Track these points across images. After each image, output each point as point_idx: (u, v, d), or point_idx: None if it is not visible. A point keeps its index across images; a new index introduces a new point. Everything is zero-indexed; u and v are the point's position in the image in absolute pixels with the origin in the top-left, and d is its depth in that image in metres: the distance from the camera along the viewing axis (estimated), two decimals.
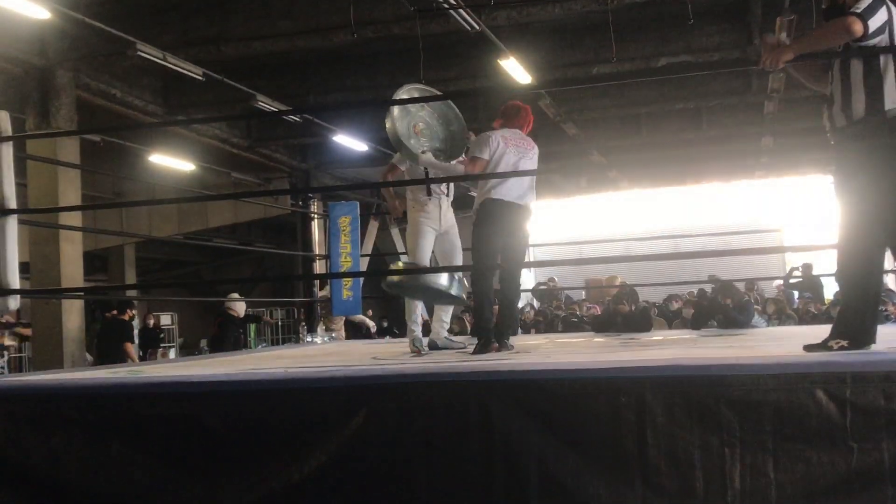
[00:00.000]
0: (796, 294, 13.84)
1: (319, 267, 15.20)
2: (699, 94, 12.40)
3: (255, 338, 20.74)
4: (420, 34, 8.99)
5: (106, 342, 10.33)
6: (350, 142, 13.01)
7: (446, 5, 8.14)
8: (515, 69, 9.77)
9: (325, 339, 8.70)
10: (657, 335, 6.99)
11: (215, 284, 25.13)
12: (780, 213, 22.45)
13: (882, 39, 3.52)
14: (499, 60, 9.60)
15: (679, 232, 15.41)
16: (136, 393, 3.57)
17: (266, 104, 10.61)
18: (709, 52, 10.16)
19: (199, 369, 4.67)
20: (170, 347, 19.51)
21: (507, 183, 5.07)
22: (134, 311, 13.42)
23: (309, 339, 9.03)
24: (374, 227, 18.98)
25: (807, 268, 16.09)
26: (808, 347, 3.63)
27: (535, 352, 5.18)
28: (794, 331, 6.86)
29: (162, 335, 15.96)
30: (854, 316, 3.58)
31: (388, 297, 16.11)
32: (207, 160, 14.58)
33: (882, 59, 3.50)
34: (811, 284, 13.27)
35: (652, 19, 10.05)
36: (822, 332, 3.85)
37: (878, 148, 3.44)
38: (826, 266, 8.20)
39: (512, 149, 5.19)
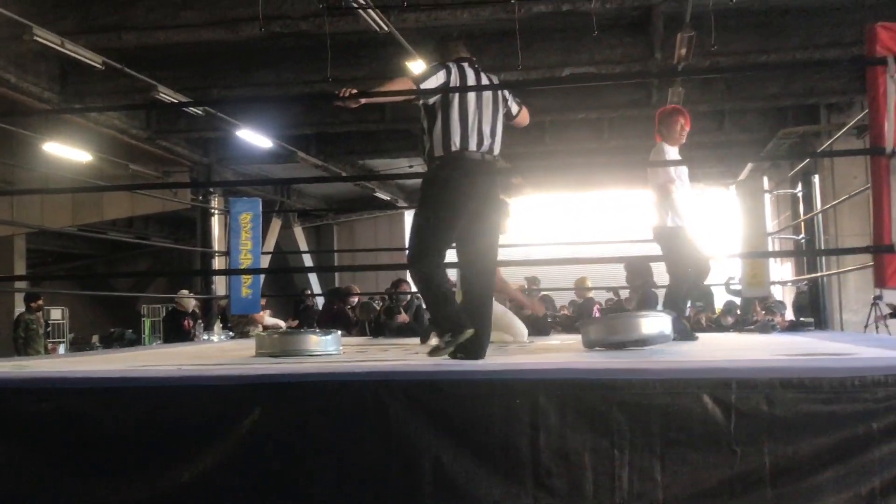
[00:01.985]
0: (689, 303, 14.23)
1: (219, 264, 14.91)
2: (602, 105, 12.63)
3: (149, 335, 20.23)
4: (329, 32, 8.92)
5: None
6: (254, 137, 12.81)
7: (355, 4, 8.10)
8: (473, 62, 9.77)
9: (223, 337, 8.53)
10: (555, 339, 7.09)
11: (109, 278, 24.38)
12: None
13: (439, 99, 4.37)
14: (406, 62, 9.60)
15: (579, 239, 15.73)
16: (20, 388, 3.42)
17: (167, 96, 10.34)
18: (612, 64, 10.36)
19: (88, 365, 4.51)
20: (59, 343, 18.85)
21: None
22: (40, 302, 13.00)
23: (205, 336, 8.83)
24: (276, 225, 18.75)
25: None
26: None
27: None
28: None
29: (49, 329, 15.38)
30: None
31: (290, 297, 15.90)
32: (105, 151, 14.14)
33: (440, 113, 4.36)
34: (702, 294, 13.67)
35: (558, 30, 10.20)
36: (712, 340, 3.97)
37: (437, 180, 4.43)
38: (716, 276, 8.50)
39: None
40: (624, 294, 11.22)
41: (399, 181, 19.86)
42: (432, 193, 4.45)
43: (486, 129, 4.45)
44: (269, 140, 13.13)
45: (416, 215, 4.50)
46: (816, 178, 7.80)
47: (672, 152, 6.10)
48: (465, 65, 4.53)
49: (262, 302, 8.85)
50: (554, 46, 10.41)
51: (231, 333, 8.99)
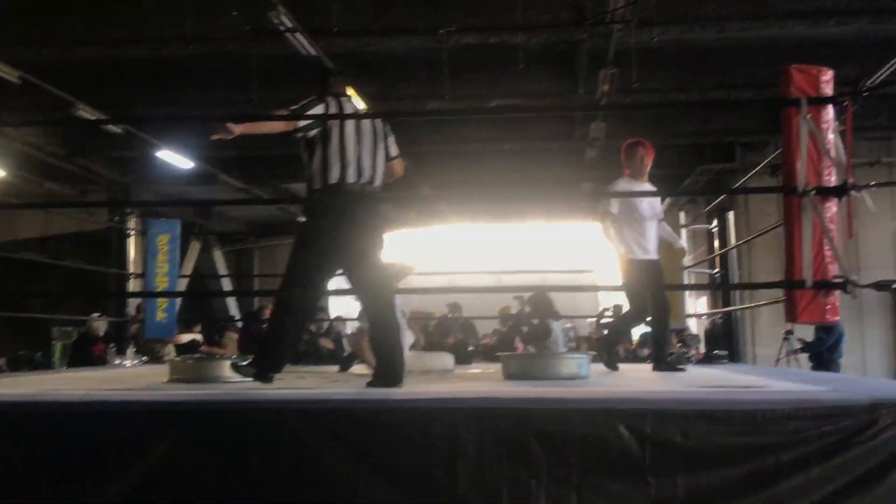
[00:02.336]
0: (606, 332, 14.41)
1: (134, 287, 14.54)
2: (526, 137, 12.78)
3: (60, 358, 19.57)
4: (255, 54, 8.83)
5: None
6: (175, 158, 12.57)
7: (282, 28, 8.04)
8: (351, 97, 9.75)
9: (136, 361, 8.29)
10: (476, 368, 7.10)
11: (19, 299, 23.54)
12: (594, 256, 23.55)
13: (318, 132, 4.48)
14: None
15: (501, 268, 15.80)
16: None
17: (87, 113, 10.08)
18: (537, 97, 10.51)
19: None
20: None
21: None
22: None
23: (118, 361, 8.57)
24: (195, 248, 18.40)
25: (617, 308, 16.86)
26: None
27: (355, 382, 5.13)
28: (604, 369, 7.15)
29: None
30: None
31: (209, 320, 15.59)
32: (20, 168, 13.69)
33: (318, 145, 4.46)
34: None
35: (486, 62, 10.30)
36: (628, 371, 4.01)
37: (316, 212, 4.48)
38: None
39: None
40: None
41: None
42: (310, 225, 4.52)
43: (367, 162, 4.51)
44: (191, 161, 12.91)
45: (293, 245, 4.59)
46: (731, 215, 8.02)
47: (631, 185, 6.24)
48: (344, 100, 4.69)
49: (198, 328, 8.68)
50: (482, 77, 10.51)
51: (145, 358, 8.76)
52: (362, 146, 4.51)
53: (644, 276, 6.01)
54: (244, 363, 4.44)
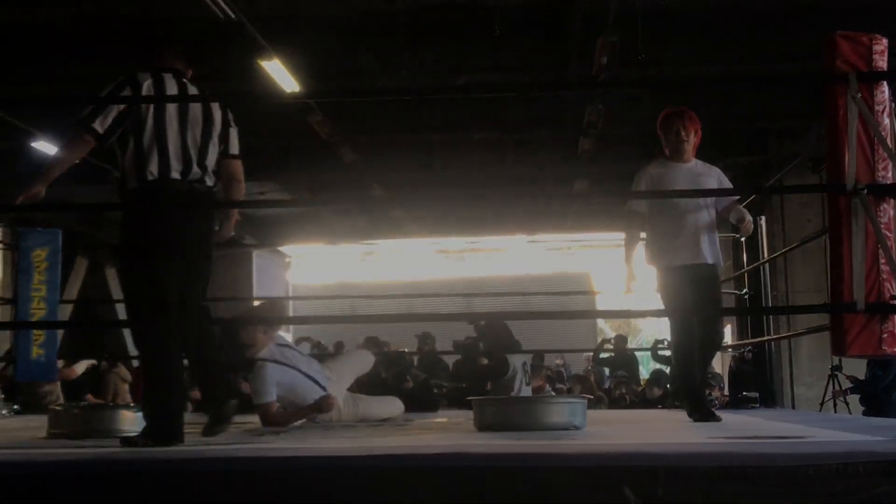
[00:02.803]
0: (607, 371, 14.51)
1: (2, 316, 14.33)
2: (504, 123, 12.80)
3: None
4: (159, 18, 8.79)
5: None
6: (53, 149, 12.45)
7: None
8: (279, 73, 9.74)
9: (5, 411, 8.19)
10: (442, 417, 7.09)
11: None
12: (594, 273, 23.69)
13: (130, 121, 4.42)
14: (259, 60, 9.54)
15: (474, 287, 15.86)
16: None
17: None
18: (518, 73, 10.54)
19: None
20: None
21: None
22: None
23: None
24: (81, 265, 18.21)
25: (620, 340, 17.00)
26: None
27: (287, 436, 5.10)
28: (606, 416, 7.17)
29: None
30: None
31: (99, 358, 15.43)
32: None
33: (131, 137, 4.43)
34: (624, 360, 13.96)
35: (452, 26, 10.31)
36: (636, 417, 4.02)
37: (132, 219, 4.54)
38: (642, 339, 8.67)
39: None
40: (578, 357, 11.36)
41: (247, 211, 19.65)
42: (130, 237, 4.52)
43: (194, 154, 4.51)
44: None
45: (121, 268, 4.69)
46: (763, 220, 8.07)
47: (666, 168, 6.08)
48: (170, 75, 4.60)
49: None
50: (446, 48, 10.52)
51: (16, 407, 8.65)
52: (188, 134, 4.50)
53: (682, 289, 5.82)
54: (133, 434, 4.39)
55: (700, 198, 5.95)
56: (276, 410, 6.18)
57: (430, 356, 11.50)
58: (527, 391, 8.57)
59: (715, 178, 6.06)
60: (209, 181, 4.58)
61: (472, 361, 9.56)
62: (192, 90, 4.67)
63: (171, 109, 4.46)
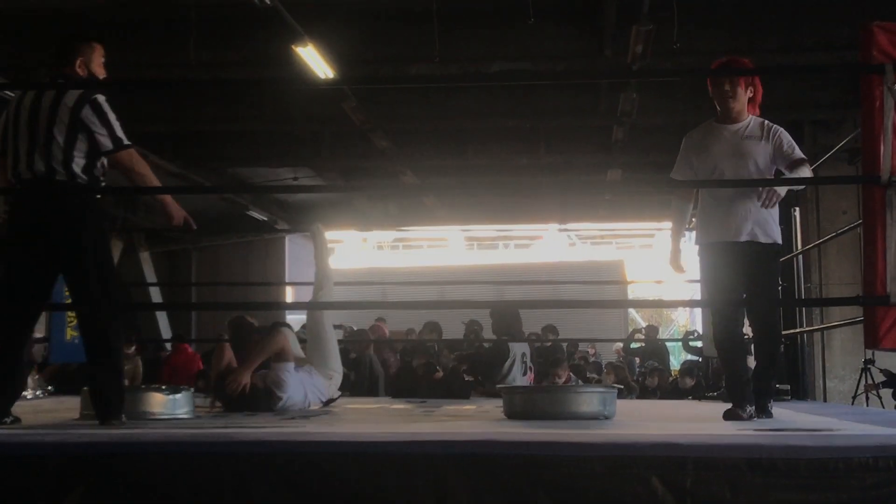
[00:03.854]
0: (637, 361, 14.47)
1: None
2: (537, 111, 12.76)
3: None
4: (192, 3, 8.82)
5: None
6: None
7: None
8: (314, 59, 9.74)
9: (39, 392, 8.28)
10: (474, 404, 7.08)
11: None
12: (628, 261, 23.64)
13: None
14: (294, 46, 9.55)
15: (505, 275, 15.80)
16: None
17: None
18: (552, 60, 10.49)
19: None
20: None
21: None
22: None
23: None
24: (116, 247, 18.33)
25: (651, 331, 16.94)
26: None
27: (316, 420, 5.13)
28: (636, 406, 7.16)
29: None
30: None
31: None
32: None
33: None
34: (655, 350, 13.93)
35: (486, 15, 10.28)
36: (666, 408, 4.01)
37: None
38: (673, 330, 8.64)
39: None
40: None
41: (280, 197, 19.72)
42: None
43: (23, 147, 4.62)
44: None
45: None
46: (797, 212, 8.00)
47: (710, 131, 5.37)
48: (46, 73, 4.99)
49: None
50: (480, 35, 10.49)
51: (51, 388, 8.74)
52: (20, 135, 4.63)
53: (719, 270, 5.20)
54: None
55: (747, 161, 5.17)
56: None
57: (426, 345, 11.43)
58: (523, 381, 8.50)
59: (769, 141, 5.19)
60: (60, 176, 4.60)
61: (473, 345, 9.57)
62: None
63: (12, 106, 4.71)
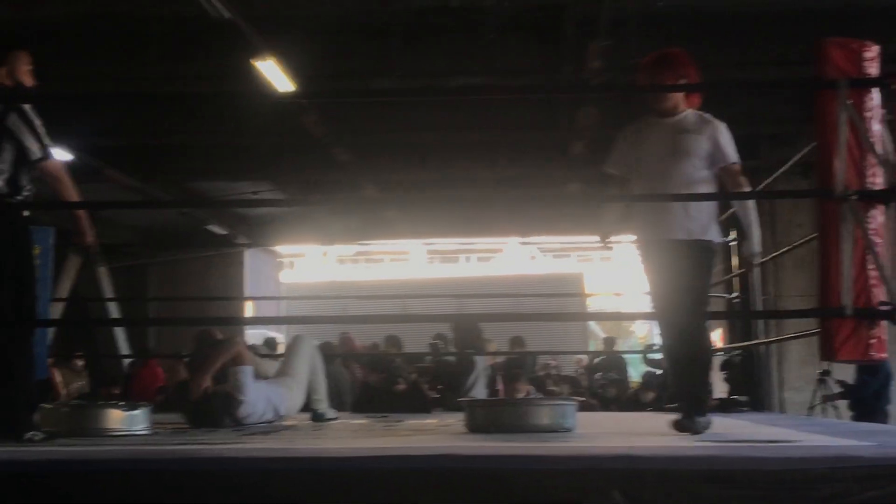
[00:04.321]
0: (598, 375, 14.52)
1: None
2: (497, 125, 12.80)
3: None
4: (151, 16, 8.77)
5: None
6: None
7: None
8: (274, 73, 9.73)
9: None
10: (436, 418, 7.08)
11: None
12: (586, 275, 23.75)
13: None
14: (254, 60, 9.52)
15: (466, 288, 15.79)
16: None
17: None
18: (512, 75, 10.54)
19: None
20: None
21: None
22: None
23: None
24: (74, 262, 18.17)
25: (608, 342, 17.01)
26: None
27: (276, 437, 5.10)
28: (596, 418, 7.17)
29: None
30: None
31: (94, 355, 15.38)
32: None
33: None
34: (614, 362, 13.98)
35: (447, 30, 10.31)
36: (627, 420, 4.01)
37: None
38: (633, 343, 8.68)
39: None
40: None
41: (239, 211, 19.63)
42: None
43: None
44: (68, 151, 12.78)
45: None
46: None
47: (645, 125, 5.21)
48: None
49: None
50: (442, 50, 10.51)
51: None
52: None
53: (651, 270, 5.05)
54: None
55: (682, 155, 4.93)
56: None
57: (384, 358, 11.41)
58: (482, 394, 8.54)
59: (706, 135, 4.94)
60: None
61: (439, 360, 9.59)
62: None
63: None
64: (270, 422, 6.27)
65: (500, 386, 9.54)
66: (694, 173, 4.93)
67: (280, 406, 6.43)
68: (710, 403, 5.00)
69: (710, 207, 4.96)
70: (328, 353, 10.75)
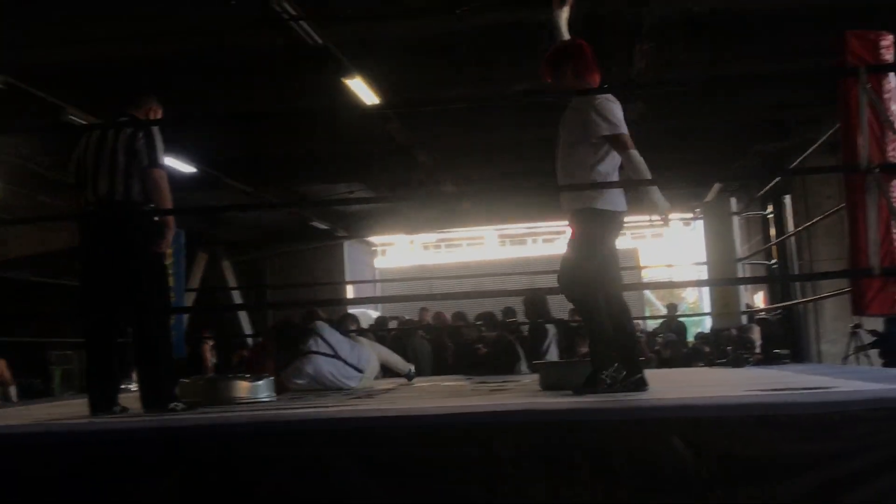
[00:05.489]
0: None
1: None
2: (557, 123, 12.71)
3: (59, 385, 19.76)
4: (256, 45, 8.87)
5: None
6: (175, 162, 12.66)
7: (286, 16, 8.08)
8: (361, 89, 9.79)
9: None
10: (514, 379, 7.07)
11: (13, 322, 23.80)
12: (643, 249, 23.53)
13: None
14: (344, 79, 9.60)
15: (533, 266, 15.75)
16: None
17: (77, 118, 10.19)
18: None
19: None
20: None
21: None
22: None
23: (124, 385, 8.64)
24: (202, 258, 18.53)
25: (671, 308, 16.86)
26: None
27: (380, 397, 5.15)
28: (655, 375, 7.11)
29: None
30: None
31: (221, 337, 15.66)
32: (9, 181, 13.87)
33: None
34: (674, 325, 13.85)
35: (508, 42, 10.27)
36: (680, 375, 3.98)
37: None
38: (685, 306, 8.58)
39: None
40: None
41: (338, 208, 19.81)
42: None
43: (90, 174, 4.77)
44: (192, 165, 13.00)
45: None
46: (788, 199, 7.93)
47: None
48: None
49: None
50: (505, 60, 10.49)
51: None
52: (96, 159, 4.77)
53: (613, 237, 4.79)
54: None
55: (564, 132, 4.83)
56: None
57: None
58: (555, 356, 8.51)
59: (580, 110, 4.74)
60: (97, 204, 4.73)
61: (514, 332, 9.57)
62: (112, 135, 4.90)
63: (91, 141, 4.88)
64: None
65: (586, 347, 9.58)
66: (574, 149, 4.73)
67: (346, 380, 6.47)
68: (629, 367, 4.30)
69: (587, 178, 4.63)
70: (410, 327, 10.84)
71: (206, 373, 11.49)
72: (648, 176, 4.56)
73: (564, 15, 5.01)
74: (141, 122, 4.85)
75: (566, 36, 5.09)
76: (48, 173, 13.64)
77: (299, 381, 6.18)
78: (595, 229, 4.56)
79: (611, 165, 4.65)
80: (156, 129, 4.82)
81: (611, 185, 4.56)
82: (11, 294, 23.50)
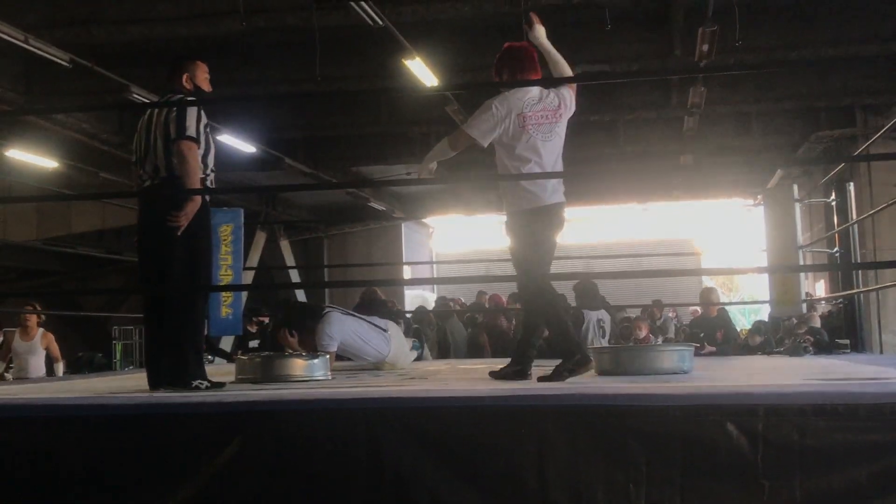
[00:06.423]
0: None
1: None
2: (616, 107, 12.63)
3: (121, 359, 20.18)
4: (317, 26, 8.92)
5: None
6: (236, 142, 12.81)
7: None
8: (421, 70, 9.79)
9: (208, 359, 8.51)
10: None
11: (77, 296, 24.33)
12: (699, 236, 23.28)
13: None
14: (403, 60, 9.61)
15: (590, 251, 15.68)
16: None
17: (141, 97, 10.34)
18: (627, 62, 10.38)
19: (50, 393, 4.49)
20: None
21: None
22: None
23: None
24: (260, 237, 18.73)
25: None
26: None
27: (432, 378, 5.17)
28: (709, 362, 7.06)
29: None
30: None
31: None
32: (73, 157, 14.14)
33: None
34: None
35: (569, 24, 10.19)
36: (737, 363, 3.94)
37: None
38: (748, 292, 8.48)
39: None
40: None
41: (395, 189, 19.88)
42: None
43: (142, 152, 4.75)
44: (253, 145, 13.14)
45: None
46: (852, 186, 7.78)
47: None
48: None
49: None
50: (564, 41, 10.31)
51: (210, 357, 8.96)
52: (146, 139, 4.74)
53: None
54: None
55: None
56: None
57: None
58: (600, 342, 8.41)
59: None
60: (159, 177, 4.68)
61: None
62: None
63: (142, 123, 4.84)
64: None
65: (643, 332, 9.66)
66: (501, 147, 5.16)
67: (375, 343, 6.45)
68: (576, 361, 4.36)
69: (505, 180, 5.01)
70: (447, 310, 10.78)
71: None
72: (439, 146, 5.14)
73: (540, 34, 5.24)
74: (179, 94, 4.82)
75: (553, 53, 5.34)
76: (113, 151, 13.88)
77: (328, 341, 6.14)
78: (524, 228, 4.96)
79: (518, 157, 5.09)
80: (190, 100, 4.78)
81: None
82: (72, 267, 24.03)
